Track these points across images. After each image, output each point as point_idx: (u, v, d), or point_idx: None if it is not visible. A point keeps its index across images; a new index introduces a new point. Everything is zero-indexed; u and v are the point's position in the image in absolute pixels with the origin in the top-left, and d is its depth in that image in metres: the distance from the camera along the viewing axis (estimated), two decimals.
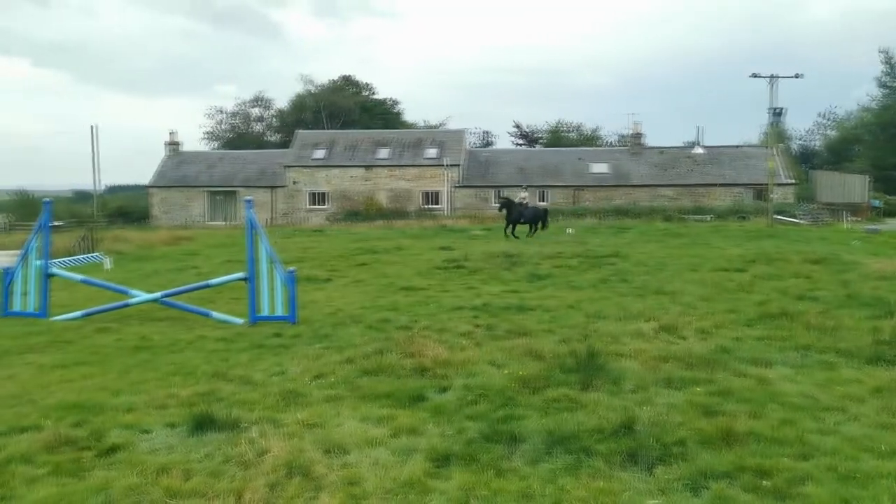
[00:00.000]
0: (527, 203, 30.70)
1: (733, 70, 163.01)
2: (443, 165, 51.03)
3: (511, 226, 28.70)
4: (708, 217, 42.19)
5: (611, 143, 72.22)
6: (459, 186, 51.15)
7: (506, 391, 6.63)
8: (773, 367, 7.50)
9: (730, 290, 13.09)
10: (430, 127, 72.18)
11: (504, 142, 77.06)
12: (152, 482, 4.65)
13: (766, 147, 47.76)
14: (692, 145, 54.26)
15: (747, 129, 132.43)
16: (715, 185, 48.07)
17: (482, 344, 8.88)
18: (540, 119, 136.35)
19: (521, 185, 38.83)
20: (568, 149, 57.42)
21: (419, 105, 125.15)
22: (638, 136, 52.45)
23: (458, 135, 55.23)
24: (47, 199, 12.97)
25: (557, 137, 70.75)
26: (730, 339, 8.79)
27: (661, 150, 51.83)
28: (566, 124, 75.71)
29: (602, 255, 20.60)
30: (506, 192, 50.95)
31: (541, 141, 72.96)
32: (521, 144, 73.35)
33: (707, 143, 52.31)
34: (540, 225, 29.72)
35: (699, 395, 6.45)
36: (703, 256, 19.85)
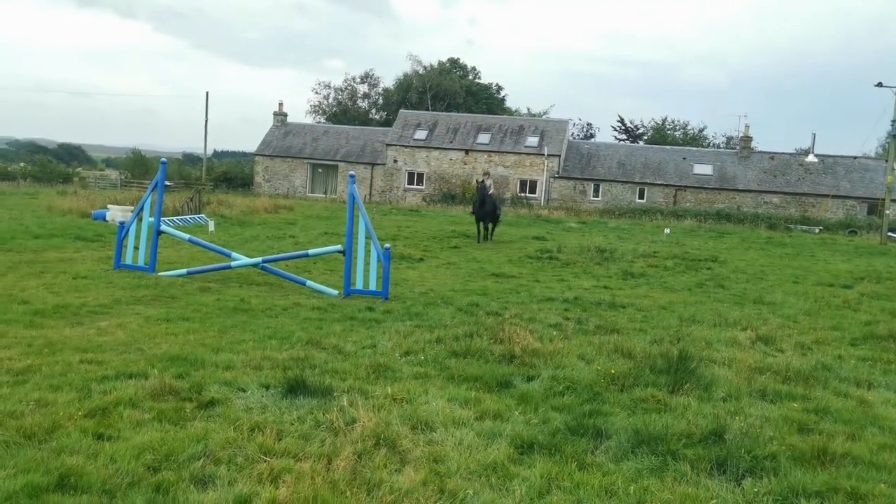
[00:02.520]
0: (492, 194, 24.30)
1: (851, 75, 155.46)
2: (543, 154, 50.65)
3: (482, 224, 23.44)
4: (816, 229, 40.47)
5: (717, 144, 70.10)
6: (557, 177, 50.70)
7: (593, 386, 6.57)
8: (876, 390, 7.17)
9: (834, 306, 12.56)
10: (533, 115, 71.67)
11: (605, 135, 75.89)
12: (247, 438, 4.84)
13: (886, 161, 45.33)
14: (804, 152, 52.04)
15: (859, 140, 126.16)
16: (826, 195, 46.01)
17: (571, 337, 8.82)
18: (645, 114, 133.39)
19: (486, 173, 27.09)
20: (672, 147, 55.96)
21: (522, 92, 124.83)
22: (748, 139, 50.66)
23: (561, 125, 54.63)
24: (164, 160, 13.56)
25: (662, 135, 69.10)
26: (831, 357, 8.44)
27: (772, 156, 49.93)
28: (672, 122, 73.85)
29: (699, 258, 20.10)
30: (605, 188, 50.32)
31: (643, 137, 71.44)
32: (622, 139, 72.05)
33: (819, 152, 50.05)
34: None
35: (795, 410, 6.23)
36: (807, 269, 19.10)
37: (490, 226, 23.65)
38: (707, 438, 5.31)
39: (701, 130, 73.61)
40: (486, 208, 22.96)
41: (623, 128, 73.82)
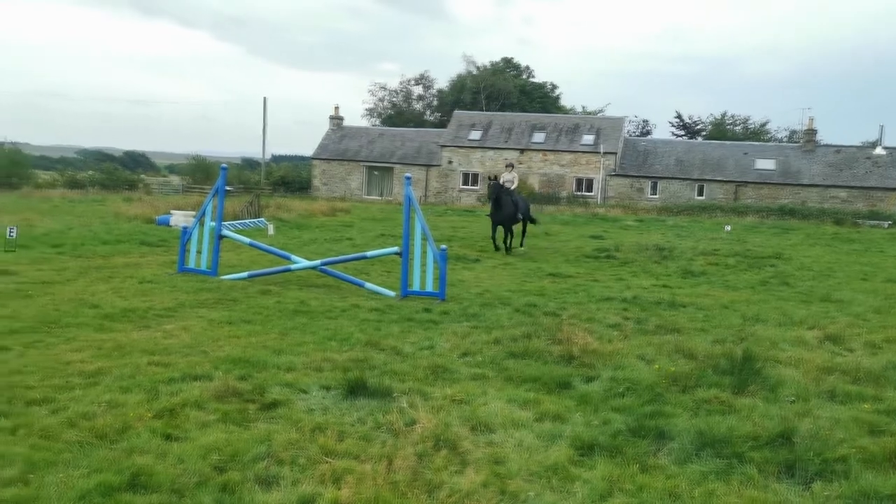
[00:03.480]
0: (516, 191, 20.17)
1: None
2: (599, 153, 50.16)
3: (503, 229, 19.16)
4: (885, 223, 39.15)
5: (780, 138, 68.40)
6: (614, 175, 50.15)
7: (654, 387, 6.48)
8: None
9: None
10: (588, 113, 71.04)
11: (662, 132, 74.83)
12: (309, 439, 4.91)
13: None
14: (872, 145, 50.42)
15: None
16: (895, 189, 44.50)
17: (631, 337, 8.71)
18: (703, 110, 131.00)
19: (510, 165, 21.88)
20: (732, 142, 54.84)
21: (577, 90, 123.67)
22: (811, 132, 49.31)
23: (617, 122, 54.03)
24: (224, 165, 13.83)
25: (721, 131, 67.76)
26: None
27: (837, 149, 48.48)
28: (732, 117, 72.35)
29: (762, 255, 19.64)
30: (663, 185, 49.49)
31: (702, 133, 70.16)
32: (680, 135, 70.87)
33: (888, 144, 48.37)
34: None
35: (865, 412, 6.04)
36: (876, 265, 18.49)
37: (510, 233, 19.21)
38: (774, 441, 5.18)
39: (763, 125, 71.95)
40: (505, 211, 18.71)
41: (681, 124, 72.63)
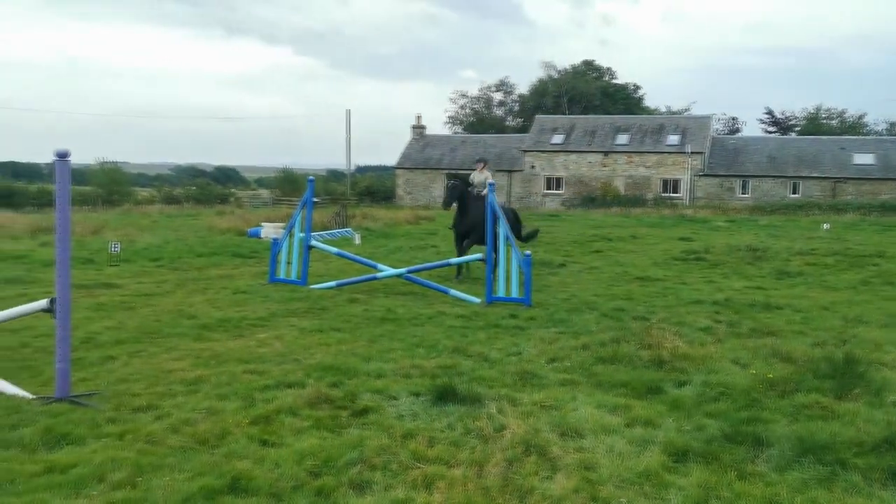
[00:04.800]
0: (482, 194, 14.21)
1: None
2: (685, 153, 49.05)
3: (463, 242, 14.43)
4: None
5: (879, 131, 65.38)
6: (702, 175, 48.95)
7: (750, 392, 6.29)
8: None
9: None
10: (673, 112, 69.59)
11: (752, 129, 72.57)
12: (400, 445, 4.98)
13: None
14: None
15: None
16: None
17: (724, 340, 8.48)
18: (795, 105, 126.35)
19: (481, 161, 15.90)
20: (828, 137, 52.74)
21: (661, 90, 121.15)
22: None
23: (703, 121, 52.74)
24: (311, 178, 14.17)
25: (816, 125, 65.24)
26: None
27: None
28: (827, 111, 69.58)
29: (864, 254, 18.80)
30: (755, 183, 47.88)
31: (795, 129, 67.70)
32: (772, 132, 68.58)
33: None
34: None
35: None
36: None
37: (468, 248, 14.30)
38: (880, 447, 4.95)
39: (860, 118, 68.99)
40: (472, 216, 14.06)
41: (772, 120, 70.36)
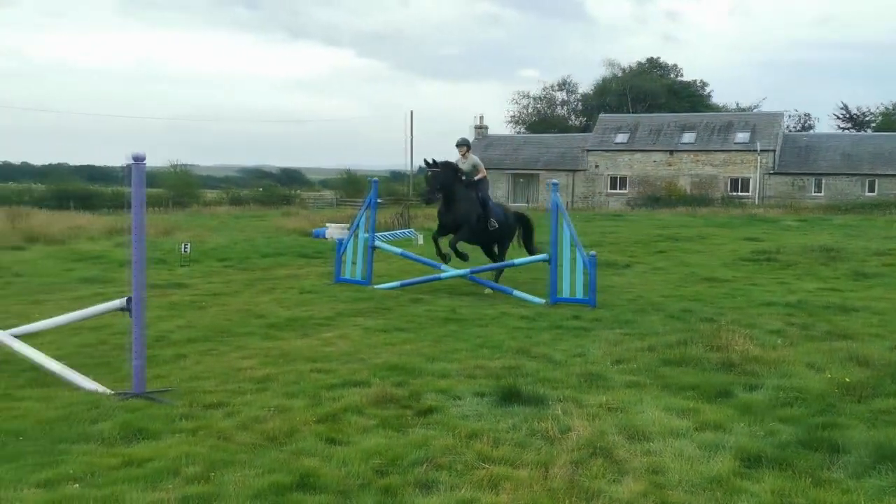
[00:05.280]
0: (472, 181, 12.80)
1: None
2: (754, 151, 47.87)
3: (447, 235, 12.73)
4: None
5: None
6: (772, 173, 47.70)
7: (826, 396, 6.10)
8: None
9: None
10: (741, 110, 67.99)
11: (826, 126, 70.33)
12: (465, 445, 4.98)
13: None
14: None
15: None
16: None
17: (797, 344, 8.25)
18: (871, 100, 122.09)
19: (463, 144, 13.13)
20: None
21: (729, 87, 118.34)
22: None
23: (773, 118, 51.39)
24: (375, 179, 14.31)
25: (892, 121, 62.88)
26: None
27: None
28: None
29: None
30: (828, 182, 46.36)
31: (871, 125, 65.38)
32: (847, 128, 66.39)
33: None
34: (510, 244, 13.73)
35: None
36: None
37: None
38: None
39: None
40: (461, 207, 12.34)
41: (847, 115, 68.13)
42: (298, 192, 67.83)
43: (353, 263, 13.64)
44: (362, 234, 13.70)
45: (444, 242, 12.67)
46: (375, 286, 12.93)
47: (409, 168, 63.82)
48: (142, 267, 6.26)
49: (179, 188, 53.67)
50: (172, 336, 8.63)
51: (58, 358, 6.90)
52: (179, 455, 4.70)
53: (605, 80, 74.77)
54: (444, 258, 12.58)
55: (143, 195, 6.23)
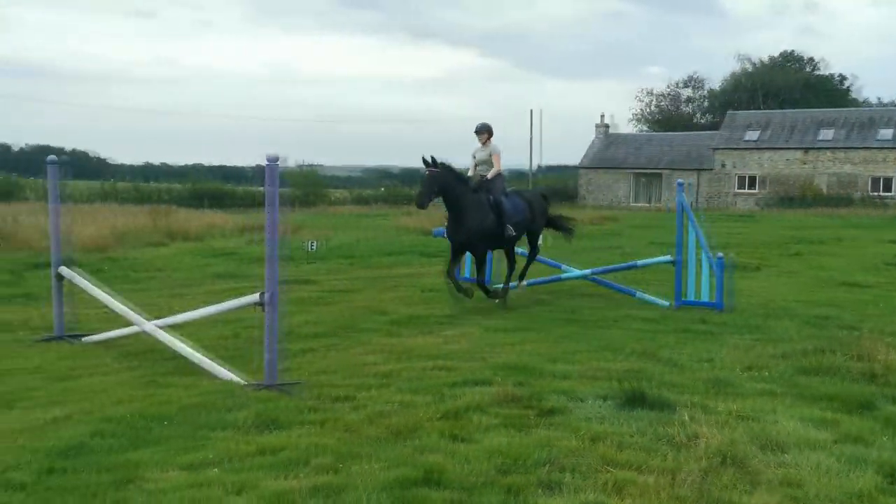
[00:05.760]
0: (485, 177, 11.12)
1: None
2: None
3: (458, 256, 11.12)
4: None
5: None
6: None
7: None
8: None
9: None
10: (885, 105, 63.88)
11: None
12: (588, 447, 4.92)
13: None
14: None
15: None
16: None
17: None
18: None
19: (482, 130, 11.13)
20: None
21: (873, 81, 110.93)
22: None
23: None
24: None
25: None
26: None
27: None
28: None
29: None
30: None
31: None
32: None
33: None
34: (543, 239, 12.76)
35: None
36: None
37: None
38: None
39: None
40: (470, 218, 10.56)
41: None
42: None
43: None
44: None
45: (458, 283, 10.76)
46: (495, 285, 12.94)
47: (529, 167, 63.57)
48: (275, 263, 6.53)
49: (306, 188, 55.51)
50: (300, 330, 8.96)
51: (196, 349, 7.30)
52: (309, 446, 4.88)
53: (734, 75, 72.03)
54: (466, 292, 10.78)
55: (277, 194, 6.50)
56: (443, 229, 11.84)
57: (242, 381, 6.52)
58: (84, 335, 8.78)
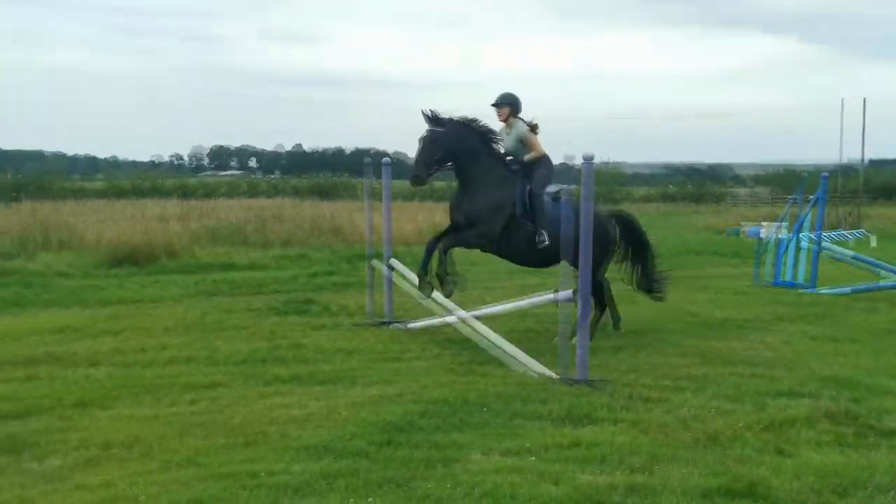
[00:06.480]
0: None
1: None
2: None
3: (451, 237, 8.10)
4: None
5: None
6: None
7: None
8: None
9: None
10: None
11: None
12: None
13: None
14: None
15: None
16: None
17: None
18: None
19: (504, 103, 8.07)
20: None
21: None
22: None
23: None
24: (825, 174, 13.14)
25: None
26: None
27: None
28: None
29: None
30: None
31: None
32: None
33: None
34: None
35: None
36: None
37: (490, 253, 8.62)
38: None
39: None
40: (477, 199, 7.86)
41: None
42: (731, 187, 65.36)
43: (795, 265, 12.74)
44: (806, 234, 12.71)
45: (435, 262, 8.00)
46: (821, 291, 11.90)
47: (860, 161, 57.19)
48: (588, 261, 6.59)
49: (609, 185, 55.34)
50: (610, 327, 8.94)
51: (508, 341, 7.58)
52: (624, 444, 4.86)
53: None
54: (426, 285, 8.24)
55: (593, 191, 6.57)
56: (758, 229, 11.20)
57: (554, 375, 6.67)
58: (408, 322, 9.53)
